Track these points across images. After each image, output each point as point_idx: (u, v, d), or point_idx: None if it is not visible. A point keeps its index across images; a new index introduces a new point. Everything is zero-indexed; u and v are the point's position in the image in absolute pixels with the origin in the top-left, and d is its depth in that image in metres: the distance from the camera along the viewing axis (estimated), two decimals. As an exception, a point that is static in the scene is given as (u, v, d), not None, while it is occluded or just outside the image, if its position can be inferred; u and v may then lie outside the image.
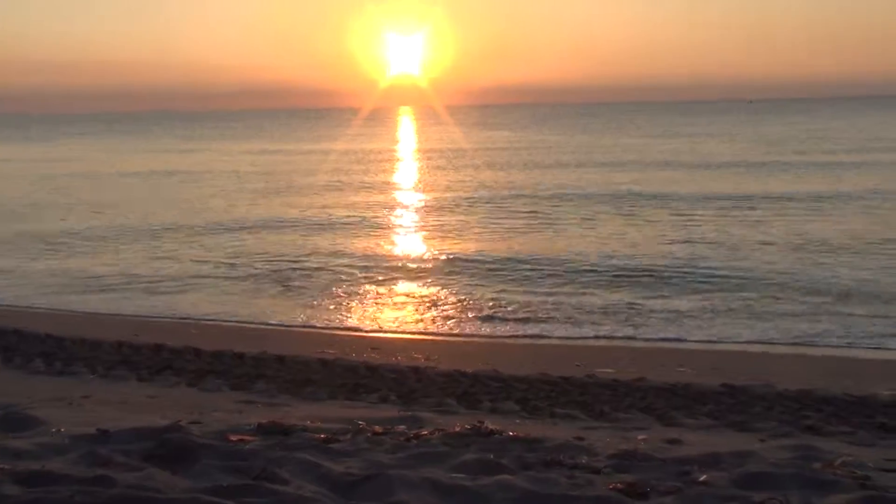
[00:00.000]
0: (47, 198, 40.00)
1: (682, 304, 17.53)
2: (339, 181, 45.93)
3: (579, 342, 15.20)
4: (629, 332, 15.73)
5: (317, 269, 22.13)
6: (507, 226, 28.68)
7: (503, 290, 19.06)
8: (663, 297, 18.20)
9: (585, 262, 21.69)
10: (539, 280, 20.03)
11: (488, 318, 16.86)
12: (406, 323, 16.90)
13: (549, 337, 15.57)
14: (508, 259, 22.29)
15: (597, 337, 15.48)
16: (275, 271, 21.55)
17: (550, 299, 18.10)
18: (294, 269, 21.99)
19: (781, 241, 24.48)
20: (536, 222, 29.33)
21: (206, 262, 23.26)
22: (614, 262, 21.77)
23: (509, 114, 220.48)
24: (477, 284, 19.72)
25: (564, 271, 20.80)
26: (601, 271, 20.73)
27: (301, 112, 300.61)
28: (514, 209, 32.79)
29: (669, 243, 24.44)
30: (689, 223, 28.28)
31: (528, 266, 21.43)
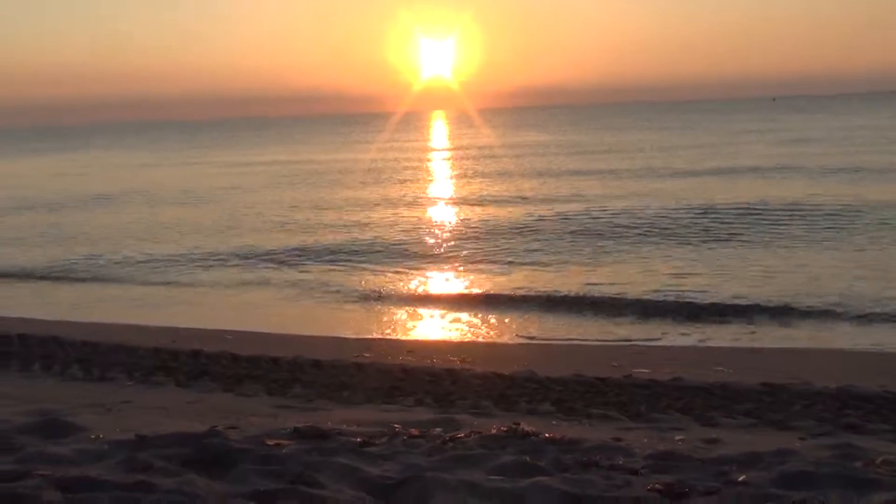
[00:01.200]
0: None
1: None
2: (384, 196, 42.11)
3: (615, 343, 15.12)
4: (667, 332, 15.62)
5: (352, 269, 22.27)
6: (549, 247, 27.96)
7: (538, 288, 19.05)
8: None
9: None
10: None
11: (525, 320, 16.87)
12: (441, 327, 16.92)
13: (585, 339, 15.52)
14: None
15: (630, 340, 15.40)
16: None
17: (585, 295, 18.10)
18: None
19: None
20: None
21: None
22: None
23: (541, 115, 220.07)
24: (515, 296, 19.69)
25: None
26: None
27: (336, 118, 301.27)
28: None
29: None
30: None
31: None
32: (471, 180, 47.84)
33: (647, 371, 12.29)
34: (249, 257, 24.95)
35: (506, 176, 47.88)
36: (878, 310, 16.24)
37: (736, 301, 17.35)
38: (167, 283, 21.89)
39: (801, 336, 15.27)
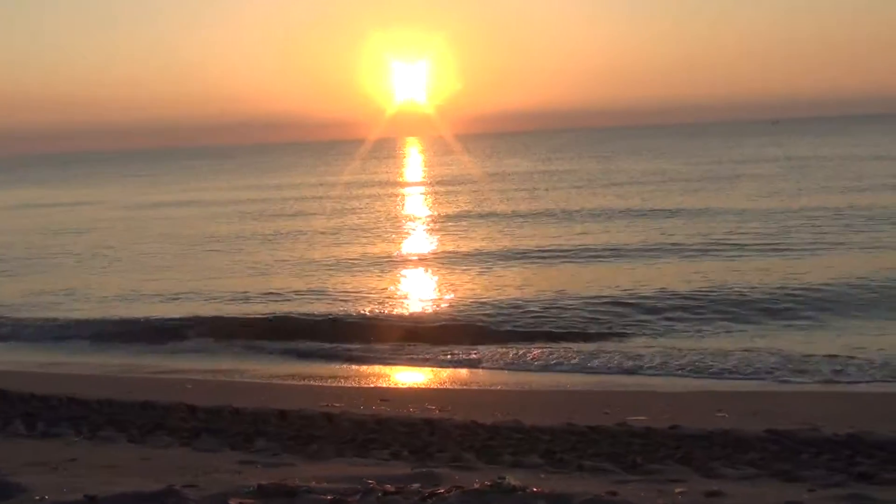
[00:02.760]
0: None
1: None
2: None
3: (607, 388, 15.16)
4: (660, 375, 15.70)
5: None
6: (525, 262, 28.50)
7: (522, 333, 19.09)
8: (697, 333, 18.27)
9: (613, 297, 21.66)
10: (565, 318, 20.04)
11: (509, 365, 16.90)
12: (418, 372, 16.91)
13: (574, 382, 15.54)
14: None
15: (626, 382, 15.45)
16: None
17: (574, 346, 18.14)
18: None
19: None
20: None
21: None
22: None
23: (523, 141, 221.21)
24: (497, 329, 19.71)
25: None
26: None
27: (303, 145, 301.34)
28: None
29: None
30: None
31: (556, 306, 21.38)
32: (453, 227, 41.09)
33: (642, 418, 12.30)
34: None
35: (495, 222, 41.38)
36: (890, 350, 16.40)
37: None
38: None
39: (806, 377, 15.39)
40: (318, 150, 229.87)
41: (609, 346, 17.98)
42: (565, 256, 29.14)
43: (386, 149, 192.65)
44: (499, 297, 22.64)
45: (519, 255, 29.57)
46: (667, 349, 17.35)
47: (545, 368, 16.79)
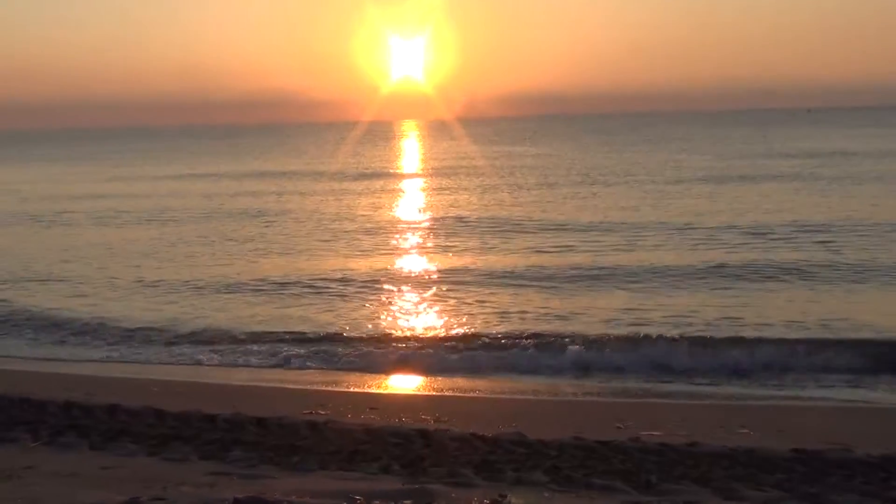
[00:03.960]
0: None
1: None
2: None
3: (620, 399, 15.15)
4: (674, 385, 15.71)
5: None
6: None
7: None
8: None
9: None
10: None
11: (512, 370, 16.93)
12: (412, 377, 16.91)
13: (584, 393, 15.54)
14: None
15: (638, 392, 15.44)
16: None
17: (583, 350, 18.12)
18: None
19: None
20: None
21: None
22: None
23: (531, 126, 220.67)
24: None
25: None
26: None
27: (291, 128, 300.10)
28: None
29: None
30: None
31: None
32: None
33: (657, 433, 12.29)
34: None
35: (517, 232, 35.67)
36: None
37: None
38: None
39: (838, 392, 15.39)
40: (305, 133, 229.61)
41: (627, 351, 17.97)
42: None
43: (380, 133, 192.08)
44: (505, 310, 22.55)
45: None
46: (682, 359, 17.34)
47: (555, 372, 16.84)
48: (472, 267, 27.58)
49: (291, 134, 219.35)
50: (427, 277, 26.78)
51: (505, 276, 25.77)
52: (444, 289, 24.58)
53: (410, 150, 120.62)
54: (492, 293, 23.63)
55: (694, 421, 13.36)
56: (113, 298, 24.62)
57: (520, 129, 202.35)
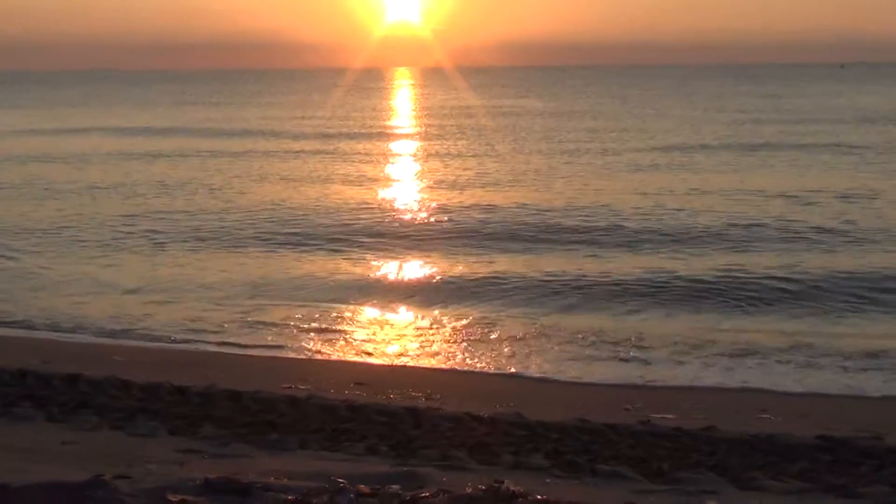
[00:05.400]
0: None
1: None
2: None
3: (629, 380, 15.19)
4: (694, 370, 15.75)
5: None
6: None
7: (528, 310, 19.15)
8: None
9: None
10: (577, 299, 20.04)
11: (514, 344, 16.99)
12: (403, 350, 16.95)
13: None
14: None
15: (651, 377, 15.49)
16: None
17: (591, 322, 18.19)
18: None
19: None
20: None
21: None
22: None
23: (538, 77, 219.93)
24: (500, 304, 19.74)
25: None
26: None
27: (274, 73, 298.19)
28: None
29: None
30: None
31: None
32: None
33: (671, 417, 12.34)
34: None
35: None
36: None
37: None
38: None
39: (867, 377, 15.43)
40: (286, 79, 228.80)
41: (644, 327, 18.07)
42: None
43: (371, 82, 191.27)
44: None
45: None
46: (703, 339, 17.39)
47: (557, 342, 16.97)
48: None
49: (272, 80, 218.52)
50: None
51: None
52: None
53: (401, 106, 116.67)
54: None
55: (710, 404, 13.42)
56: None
57: (525, 80, 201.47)
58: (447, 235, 27.15)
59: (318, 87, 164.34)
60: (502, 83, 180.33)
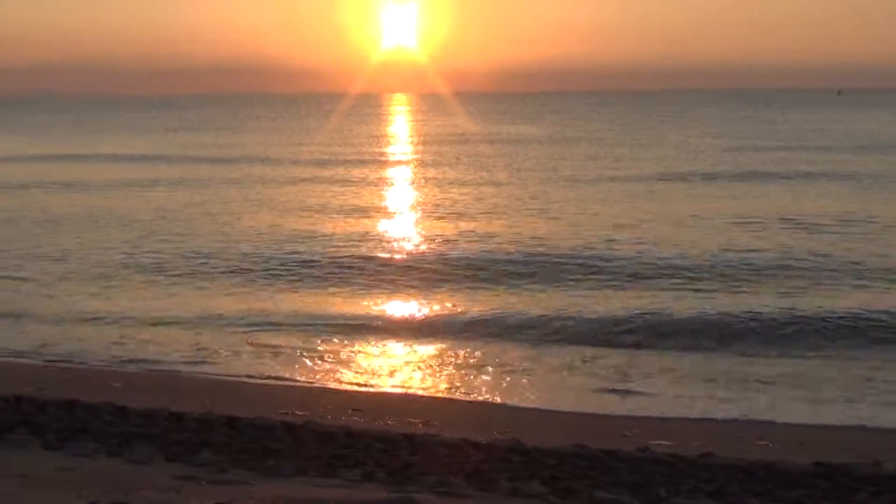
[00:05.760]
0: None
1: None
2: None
3: (628, 409, 15.20)
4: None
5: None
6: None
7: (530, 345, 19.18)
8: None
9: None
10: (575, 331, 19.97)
11: (509, 373, 16.98)
12: (401, 378, 16.96)
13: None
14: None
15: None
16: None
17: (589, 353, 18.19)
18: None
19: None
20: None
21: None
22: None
23: (536, 104, 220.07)
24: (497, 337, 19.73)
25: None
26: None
27: (271, 98, 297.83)
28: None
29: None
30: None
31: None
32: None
33: (668, 444, 12.35)
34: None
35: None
36: None
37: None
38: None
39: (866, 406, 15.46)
40: (291, 103, 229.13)
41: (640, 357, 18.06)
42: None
43: (368, 108, 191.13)
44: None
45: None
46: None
47: (555, 373, 16.95)
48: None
49: (270, 105, 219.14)
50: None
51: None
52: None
53: (399, 132, 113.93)
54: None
55: (708, 431, 13.42)
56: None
57: (523, 106, 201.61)
58: (446, 266, 26.88)
59: (317, 112, 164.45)
60: (501, 109, 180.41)
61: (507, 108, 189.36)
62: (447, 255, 28.58)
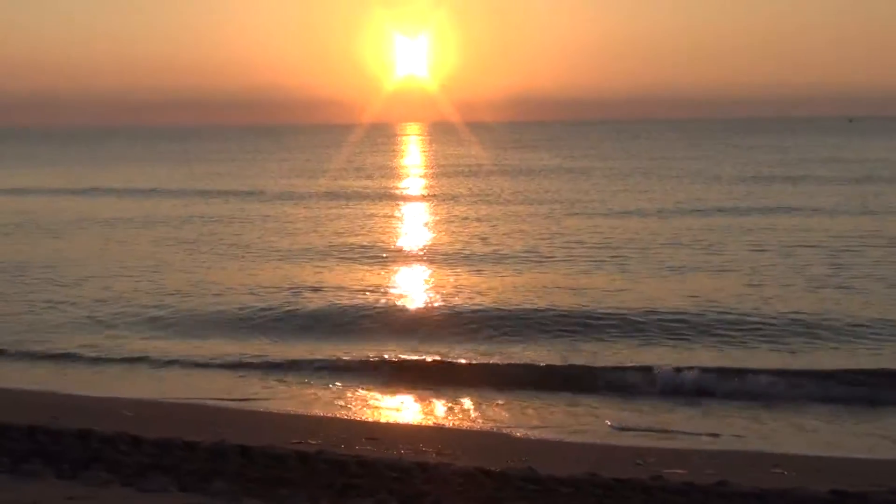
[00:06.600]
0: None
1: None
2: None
3: (639, 433, 15.17)
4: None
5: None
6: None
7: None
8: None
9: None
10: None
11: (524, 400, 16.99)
12: (415, 408, 16.97)
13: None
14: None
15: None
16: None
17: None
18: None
19: None
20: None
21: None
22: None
23: (548, 133, 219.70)
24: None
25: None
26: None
27: (283, 129, 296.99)
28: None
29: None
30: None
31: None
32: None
33: (682, 472, 12.32)
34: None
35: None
36: None
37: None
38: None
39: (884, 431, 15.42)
40: (304, 133, 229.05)
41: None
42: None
43: (384, 136, 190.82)
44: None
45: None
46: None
47: (571, 405, 16.94)
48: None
49: (284, 136, 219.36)
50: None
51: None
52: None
53: (413, 163, 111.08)
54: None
55: (722, 459, 13.39)
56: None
57: (534, 136, 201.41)
58: (463, 312, 25.81)
59: (332, 142, 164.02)
60: (514, 138, 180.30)
61: (517, 136, 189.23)
62: (460, 304, 26.98)
